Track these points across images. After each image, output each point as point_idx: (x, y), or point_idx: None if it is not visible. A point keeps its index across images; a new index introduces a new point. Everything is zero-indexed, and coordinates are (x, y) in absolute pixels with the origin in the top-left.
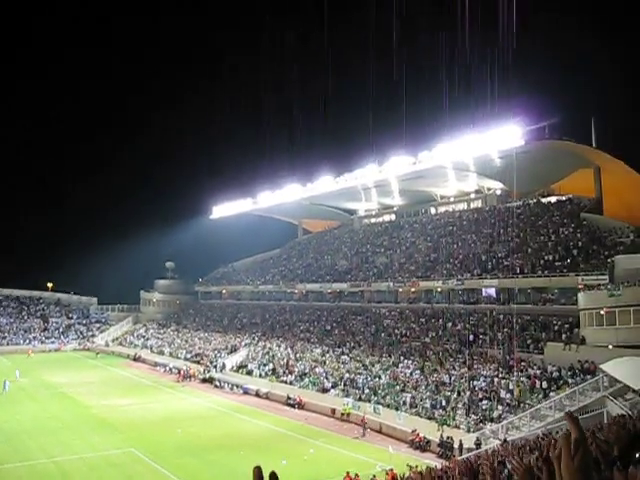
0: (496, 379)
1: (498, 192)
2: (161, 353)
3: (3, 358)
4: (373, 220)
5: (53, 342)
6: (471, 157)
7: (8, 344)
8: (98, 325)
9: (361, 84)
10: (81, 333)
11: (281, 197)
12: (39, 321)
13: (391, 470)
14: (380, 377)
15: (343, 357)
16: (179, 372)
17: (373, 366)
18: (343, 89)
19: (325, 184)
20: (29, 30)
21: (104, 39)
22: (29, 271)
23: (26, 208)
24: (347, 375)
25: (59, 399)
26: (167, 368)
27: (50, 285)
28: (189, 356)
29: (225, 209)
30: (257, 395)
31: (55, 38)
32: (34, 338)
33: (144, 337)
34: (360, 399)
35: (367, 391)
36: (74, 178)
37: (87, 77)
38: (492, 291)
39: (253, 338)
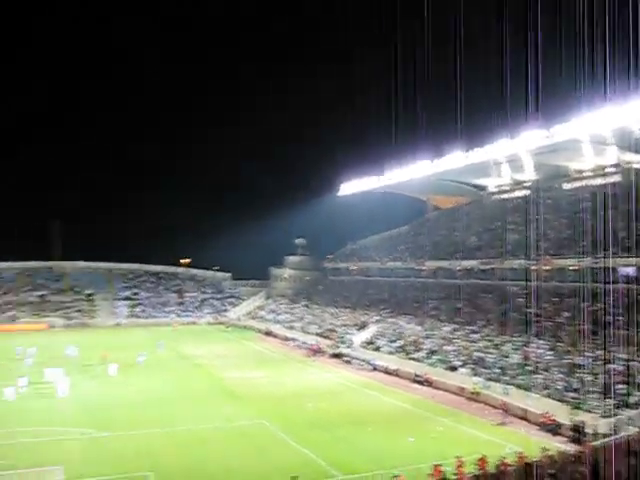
0: (634, 363)
1: (638, 166)
2: (291, 328)
3: (143, 330)
4: (504, 196)
5: (188, 316)
6: (610, 130)
7: (147, 317)
8: (231, 300)
9: (491, 55)
10: (215, 307)
11: (409, 173)
12: (175, 295)
13: (521, 453)
14: (510, 357)
15: (473, 335)
16: (309, 347)
17: (503, 345)
18: (473, 61)
19: (455, 159)
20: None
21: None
22: (166, 248)
23: (166, 190)
24: (476, 354)
25: (195, 370)
26: (297, 343)
27: (186, 261)
28: (319, 331)
29: (353, 186)
30: (386, 372)
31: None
32: (171, 312)
33: (275, 312)
34: (489, 379)
35: (497, 371)
36: (209, 159)
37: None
38: (631, 270)
39: (381, 315)
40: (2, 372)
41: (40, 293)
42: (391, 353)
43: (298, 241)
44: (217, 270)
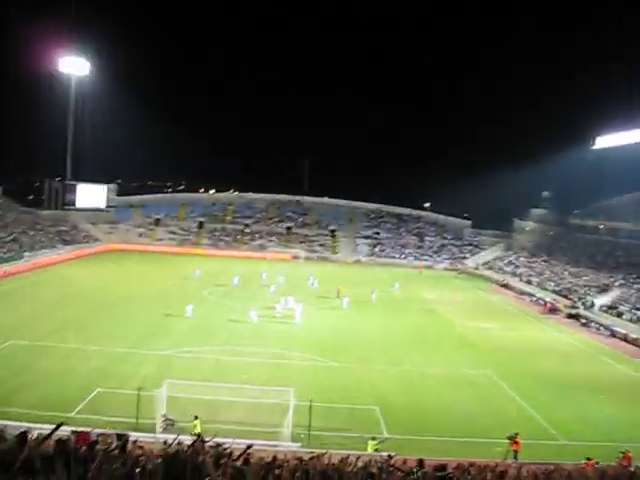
0: None
1: None
2: (529, 283)
3: (381, 269)
4: None
5: (426, 260)
6: None
7: (386, 257)
8: (470, 248)
9: None
10: (453, 254)
11: None
12: (415, 238)
13: None
14: None
15: None
16: (545, 304)
17: None
18: None
19: None
20: None
21: None
22: (409, 190)
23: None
24: None
25: (427, 314)
26: (534, 298)
27: (427, 205)
28: (557, 289)
29: (610, 140)
30: (625, 340)
31: None
32: (409, 254)
33: (513, 264)
34: None
35: None
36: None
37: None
38: None
39: (628, 280)
40: (249, 297)
41: (287, 225)
42: (633, 321)
43: (544, 194)
44: (463, 218)
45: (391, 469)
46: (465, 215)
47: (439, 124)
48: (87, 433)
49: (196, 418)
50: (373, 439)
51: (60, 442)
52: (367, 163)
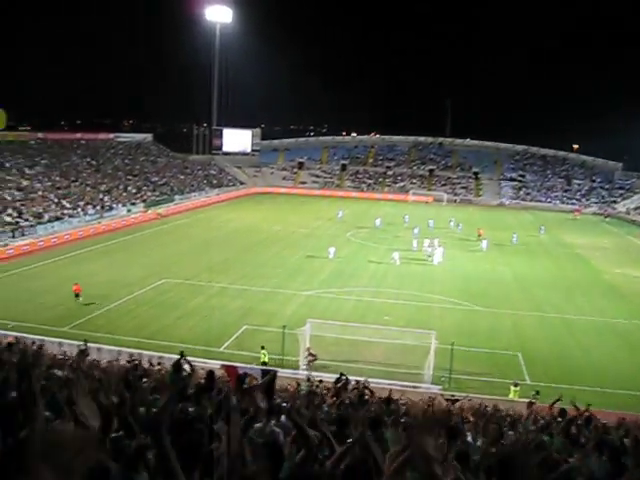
0: None
1: None
2: None
3: (525, 213)
4: None
5: (573, 204)
6: None
7: (531, 201)
8: (621, 192)
9: None
10: (602, 197)
11: None
12: (562, 181)
13: None
14: None
15: None
16: None
17: None
18: None
19: None
20: None
21: None
22: (556, 131)
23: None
24: None
25: (573, 260)
26: None
27: (575, 147)
28: None
29: None
30: None
31: None
32: (555, 197)
33: None
34: None
35: None
36: None
37: None
38: None
39: None
40: (391, 239)
41: (429, 167)
42: None
43: None
44: (606, 159)
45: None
46: (617, 157)
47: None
48: (235, 367)
49: (263, 348)
50: (515, 385)
51: (210, 373)
52: (512, 102)
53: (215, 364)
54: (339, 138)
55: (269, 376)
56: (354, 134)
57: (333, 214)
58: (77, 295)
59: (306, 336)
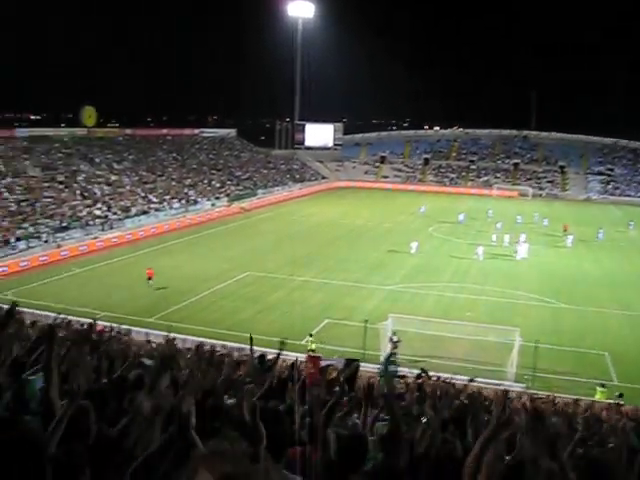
0: None
1: None
2: None
3: (614, 208)
4: None
5: None
6: None
7: (620, 195)
8: None
9: None
10: None
11: None
12: None
13: None
14: None
15: None
16: None
17: None
18: None
19: None
20: None
21: None
22: None
23: None
24: None
25: None
26: None
27: None
28: None
29: None
30: None
31: None
32: None
33: None
34: None
35: None
36: None
37: None
38: None
39: None
40: (474, 234)
41: (514, 161)
42: None
43: None
44: None
45: None
46: None
47: None
48: (318, 358)
49: (310, 335)
50: (602, 386)
51: (293, 365)
52: (598, 94)
53: (293, 357)
54: (421, 132)
55: (352, 367)
56: (437, 128)
57: (415, 209)
58: (149, 278)
59: (388, 331)
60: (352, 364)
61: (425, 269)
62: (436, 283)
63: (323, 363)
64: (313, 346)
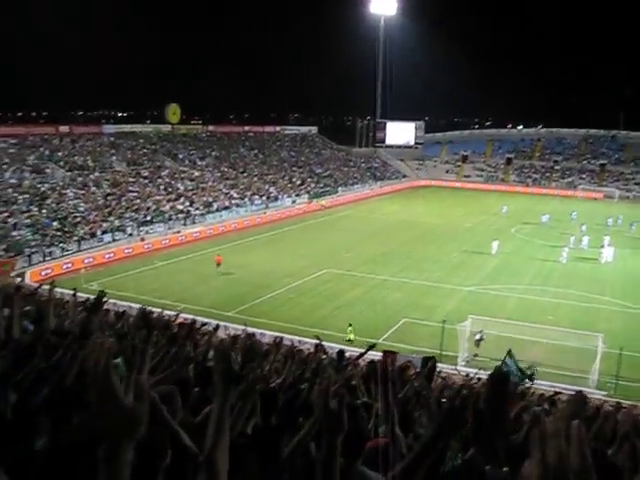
0: None
1: None
2: None
3: None
4: None
5: None
6: None
7: None
8: None
9: None
10: None
11: None
12: None
13: None
14: None
15: None
16: None
17: None
18: None
19: None
20: None
21: None
22: None
23: None
24: None
25: None
26: None
27: None
28: None
29: None
30: None
31: None
32: None
33: None
34: None
35: None
36: None
37: None
38: None
39: None
40: (558, 236)
41: (600, 162)
42: None
43: None
44: None
45: None
46: None
47: None
48: (395, 353)
49: (350, 325)
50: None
51: (372, 363)
52: None
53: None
54: (504, 131)
55: (431, 363)
56: (520, 127)
57: (497, 209)
58: (218, 264)
59: (466, 332)
60: (429, 361)
61: (506, 270)
62: (517, 285)
63: (401, 360)
64: (352, 336)
